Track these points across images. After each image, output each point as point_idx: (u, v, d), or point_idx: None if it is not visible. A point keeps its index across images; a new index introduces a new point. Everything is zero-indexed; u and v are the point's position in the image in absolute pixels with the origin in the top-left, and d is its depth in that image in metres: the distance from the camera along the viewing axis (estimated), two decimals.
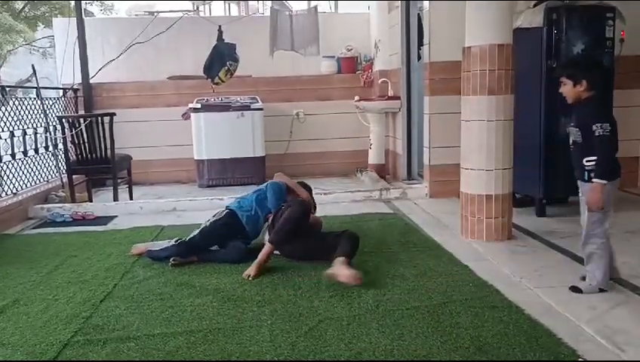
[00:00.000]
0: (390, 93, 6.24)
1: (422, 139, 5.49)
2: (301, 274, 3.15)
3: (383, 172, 6.39)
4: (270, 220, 3.52)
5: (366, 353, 2.17)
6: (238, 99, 6.49)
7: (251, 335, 2.37)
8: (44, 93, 6.06)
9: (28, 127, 5.37)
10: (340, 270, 2.95)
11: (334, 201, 5.16)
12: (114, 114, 5.26)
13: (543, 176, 4.22)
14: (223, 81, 6.09)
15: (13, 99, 5.36)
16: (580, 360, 2.09)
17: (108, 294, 2.93)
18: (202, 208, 4.89)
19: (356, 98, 6.46)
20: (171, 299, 2.82)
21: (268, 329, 2.43)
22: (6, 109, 5.03)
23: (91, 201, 5.50)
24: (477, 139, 3.64)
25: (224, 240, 3.52)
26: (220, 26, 6.08)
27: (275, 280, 3.06)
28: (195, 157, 6.36)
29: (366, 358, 2.14)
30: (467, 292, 2.79)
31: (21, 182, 5.18)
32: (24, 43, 16.60)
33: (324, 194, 5.26)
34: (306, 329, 2.41)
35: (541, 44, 4.11)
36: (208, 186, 6.32)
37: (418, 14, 5.69)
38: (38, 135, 5.53)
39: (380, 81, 6.45)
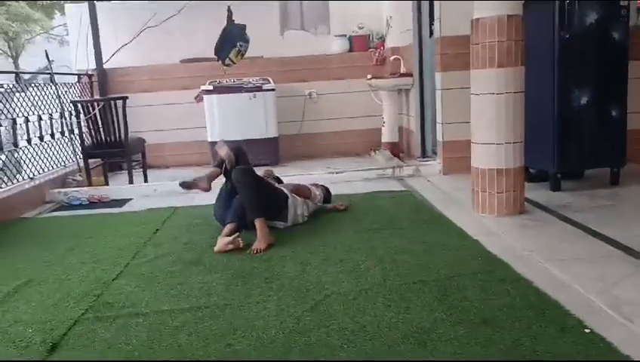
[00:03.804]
0: (402, 70, 6.17)
1: (435, 115, 5.43)
2: (310, 250, 3.16)
3: (397, 150, 6.35)
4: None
5: (370, 326, 2.17)
6: (250, 80, 6.48)
7: (257, 310, 2.39)
8: (63, 79, 6.13)
9: (44, 113, 5.44)
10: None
11: (347, 180, 5.15)
12: (126, 97, 5.31)
13: (557, 150, 4.14)
14: (234, 63, 6.08)
15: (33, 87, 5.42)
16: (587, 331, 2.06)
17: (119, 273, 2.97)
18: (215, 190, 4.91)
19: (369, 76, 6.40)
20: (180, 277, 2.86)
21: (274, 304, 2.44)
22: (21, 96, 5.09)
23: (107, 185, 5.58)
24: (487, 112, 3.59)
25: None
26: (229, 7, 6.06)
27: (284, 257, 3.07)
28: (209, 140, 6.38)
29: (370, 331, 2.14)
30: (475, 266, 2.77)
31: (38, 167, 5.26)
32: (41, 31, 16.75)
33: (336, 173, 5.25)
34: (312, 303, 2.42)
35: (553, 14, 4.00)
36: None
37: None
38: (54, 120, 5.60)
39: (392, 59, 6.39)
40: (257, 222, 3.31)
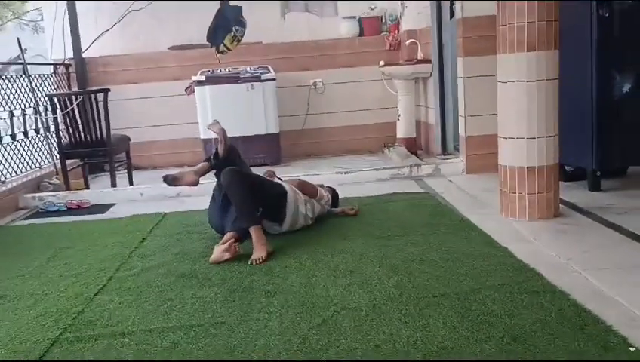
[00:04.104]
0: (420, 55, 6.18)
1: (457, 107, 5.43)
2: (317, 260, 3.18)
3: (414, 147, 6.35)
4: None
5: (385, 345, 2.18)
6: (248, 69, 6.51)
7: (258, 328, 2.40)
8: (37, 70, 6.18)
9: (16, 108, 5.48)
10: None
11: (357, 181, 5.16)
12: (108, 90, 5.36)
13: (595, 145, 4.12)
14: (229, 49, 6.08)
15: (3, 79, 5.46)
16: (632, 349, 2.06)
17: (102, 287, 2.99)
18: (209, 193, 4.93)
19: (381, 63, 6.41)
20: (171, 291, 2.87)
21: (277, 321, 2.45)
22: None
23: (88, 188, 5.62)
24: (515, 103, 3.59)
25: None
26: None
27: (287, 268, 3.09)
28: (202, 137, 6.42)
29: (385, 350, 2.14)
30: (504, 276, 2.77)
31: (10, 169, 5.29)
32: (13, 17, 16.84)
33: (345, 173, 5.26)
34: (320, 320, 2.43)
35: None
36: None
37: None
38: (28, 116, 5.64)
39: (407, 43, 6.40)
40: (253, 231, 3.33)
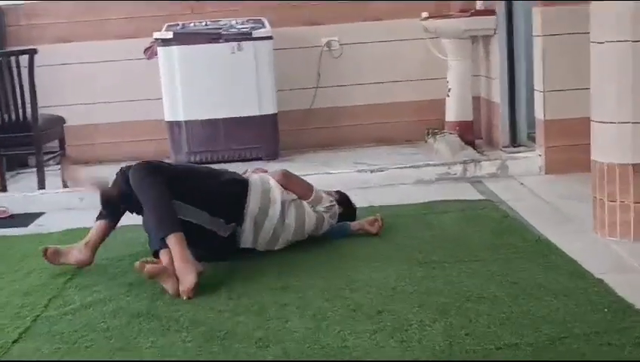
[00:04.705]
0: (479, 5, 6.18)
1: (532, 78, 5.43)
2: (329, 296, 3.19)
3: (470, 134, 6.36)
4: None
5: None
6: (233, 23, 6.52)
7: None
8: None
9: None
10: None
11: (389, 183, 5.20)
12: (35, 51, 5.37)
13: None
14: None
15: None
16: None
17: (25, 330, 3.01)
18: None
19: (424, 15, 6.41)
20: (122, 338, 2.88)
21: None
22: None
23: (5, 190, 5.65)
24: (616, 72, 3.60)
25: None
26: None
27: (286, 306, 3.10)
28: (167, 119, 6.43)
29: None
30: (599, 321, 2.77)
31: None
32: None
33: (372, 172, 5.28)
34: None
35: None
36: (190, 163, 6.39)
37: None
38: None
39: None
40: (172, 241, 3.32)
